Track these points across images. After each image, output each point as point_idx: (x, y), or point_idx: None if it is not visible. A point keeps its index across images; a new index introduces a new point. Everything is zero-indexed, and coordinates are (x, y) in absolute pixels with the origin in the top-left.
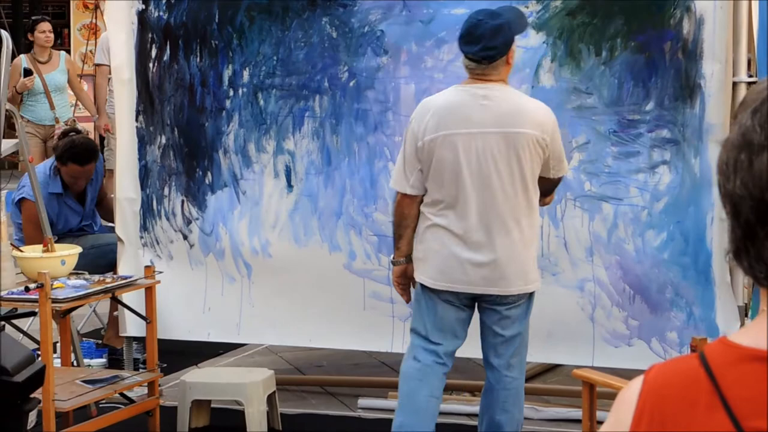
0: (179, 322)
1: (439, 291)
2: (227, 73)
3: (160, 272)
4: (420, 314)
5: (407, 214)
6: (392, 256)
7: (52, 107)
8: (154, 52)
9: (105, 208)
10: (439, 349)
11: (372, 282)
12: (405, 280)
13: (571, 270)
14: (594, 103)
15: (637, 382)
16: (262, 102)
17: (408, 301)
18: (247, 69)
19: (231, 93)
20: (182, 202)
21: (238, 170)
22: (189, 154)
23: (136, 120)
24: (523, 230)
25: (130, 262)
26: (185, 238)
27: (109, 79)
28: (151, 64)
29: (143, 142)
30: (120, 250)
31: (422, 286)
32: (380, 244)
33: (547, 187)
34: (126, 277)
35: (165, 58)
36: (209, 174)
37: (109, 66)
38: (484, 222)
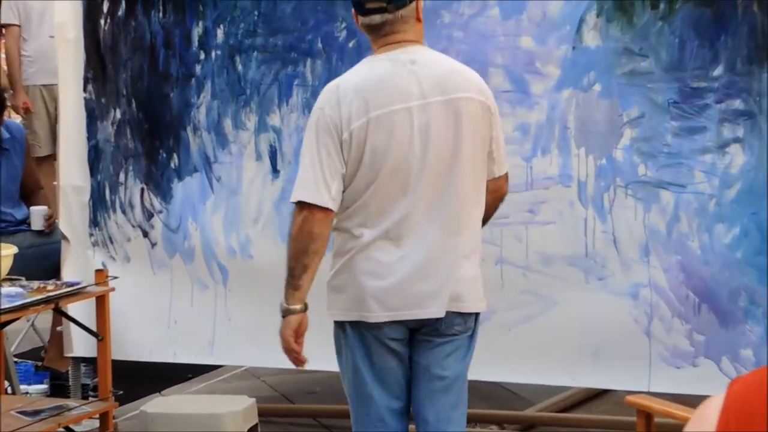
0: (138, 340)
1: (379, 326)
2: (197, 32)
3: (115, 277)
4: (353, 375)
5: (319, 235)
6: (284, 301)
7: None
8: (105, 6)
9: (36, 204)
10: (399, 406)
11: None
12: (299, 337)
13: (622, 273)
14: (649, 67)
15: (718, 398)
16: (240, 67)
17: (303, 364)
18: (221, 26)
19: (202, 56)
20: (142, 190)
21: (211, 152)
22: (150, 132)
23: (84, 90)
24: (474, 232)
25: (77, 265)
26: (146, 235)
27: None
28: (102, 21)
29: (93, 116)
30: (65, 251)
31: (351, 329)
32: None
33: (488, 203)
34: (72, 284)
35: (120, 12)
36: (175, 156)
37: (19, 26)
38: (436, 224)
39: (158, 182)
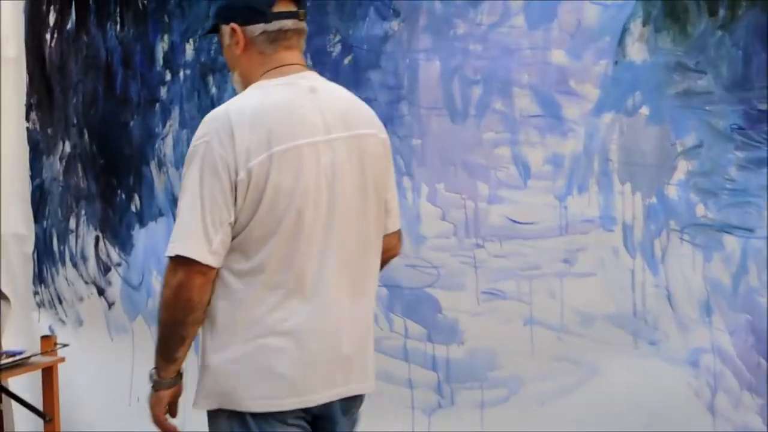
0: (94, 419)
1: (282, 414)
2: (161, 47)
3: (65, 345)
4: None
5: (199, 303)
6: (156, 372)
7: None
8: (52, 18)
9: None
10: None
11: (380, 354)
12: (174, 407)
13: (679, 336)
14: (708, 86)
15: None
16: (213, 89)
17: None
18: (190, 41)
19: (168, 76)
20: (97, 239)
21: (178, 191)
22: (106, 169)
23: (27, 118)
24: (375, 294)
25: (19, 331)
26: (101, 293)
27: None
28: (48, 35)
29: (38, 150)
30: (4, 313)
31: (252, 420)
32: (391, 298)
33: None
34: (13, 353)
35: (69, 25)
36: (136, 197)
37: None
38: (346, 283)
39: (116, 229)
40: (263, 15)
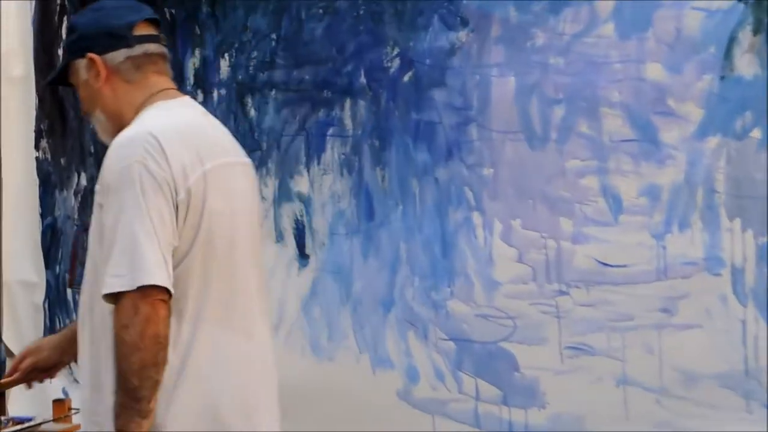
0: None
1: None
2: (192, 64)
3: (79, 410)
4: None
5: (166, 335)
6: (127, 426)
7: None
8: (64, 30)
9: None
10: None
11: (447, 420)
12: None
13: None
14: None
15: None
16: (252, 112)
17: None
18: (226, 56)
19: (199, 97)
20: None
21: None
22: None
23: (36, 147)
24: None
25: (27, 393)
26: None
27: None
28: (60, 50)
29: (48, 184)
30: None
31: None
32: (460, 354)
33: None
34: (21, 419)
35: None
36: None
37: None
38: (265, 315)
39: None
40: (124, 39)
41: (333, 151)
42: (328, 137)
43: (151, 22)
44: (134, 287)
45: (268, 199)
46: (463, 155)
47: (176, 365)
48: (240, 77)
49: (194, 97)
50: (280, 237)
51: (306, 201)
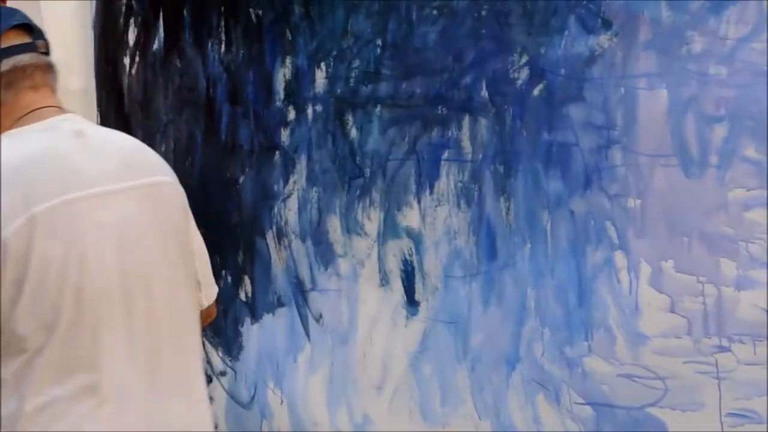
0: None
1: None
2: (282, 75)
3: None
4: None
5: None
6: None
7: None
8: (132, 36)
9: None
10: None
11: None
12: None
13: None
14: None
15: None
16: (353, 131)
17: None
18: (322, 65)
19: (290, 114)
20: None
21: (306, 273)
22: (206, 241)
23: None
24: (203, 385)
25: None
26: None
27: None
28: (127, 60)
29: None
30: None
31: None
32: (600, 420)
33: None
34: None
35: (155, 46)
36: (247, 281)
37: None
38: (152, 378)
39: (219, 324)
40: None
41: (448, 179)
42: (442, 162)
43: (23, 27)
44: None
45: (371, 235)
46: (604, 183)
47: None
48: (339, 91)
49: (285, 114)
50: (385, 280)
51: (416, 238)
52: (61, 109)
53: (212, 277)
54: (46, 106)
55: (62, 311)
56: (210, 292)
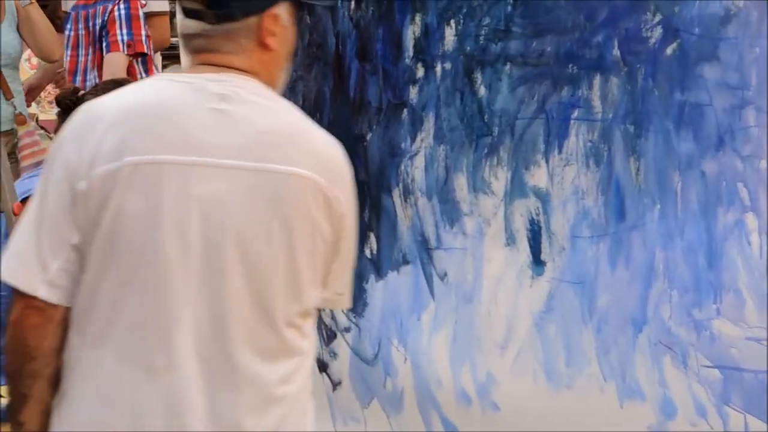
0: None
1: None
2: (411, 32)
3: None
4: None
5: (37, 347)
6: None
7: (7, 94)
8: None
9: None
10: None
11: None
12: None
13: None
14: None
15: None
16: (482, 90)
17: None
18: (451, 23)
19: (419, 72)
20: None
21: (431, 231)
22: None
23: None
24: (263, 390)
25: None
26: (323, 369)
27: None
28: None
29: None
30: None
31: None
32: (726, 385)
33: None
34: None
35: None
36: (372, 238)
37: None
38: (206, 362)
39: None
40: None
41: (578, 138)
42: (572, 121)
43: None
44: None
45: (498, 194)
46: (737, 144)
47: (61, 389)
48: (468, 48)
49: (413, 72)
50: (511, 239)
51: (543, 197)
52: (231, 69)
53: (346, 287)
54: (209, 64)
55: (123, 265)
56: (335, 300)
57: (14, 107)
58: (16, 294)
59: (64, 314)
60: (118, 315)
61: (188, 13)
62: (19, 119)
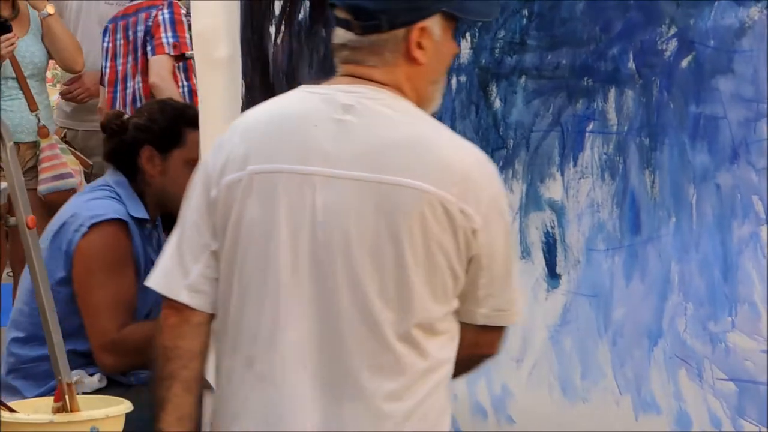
0: None
1: None
2: None
3: None
4: None
5: (173, 347)
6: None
7: (32, 105)
8: (278, 5)
9: None
10: None
11: None
12: None
13: None
14: None
15: None
16: (497, 102)
17: None
18: (467, 35)
19: None
20: None
21: None
22: None
23: None
24: (373, 406)
25: None
26: None
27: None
28: (272, 29)
29: None
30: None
31: None
32: (742, 398)
33: (462, 357)
34: None
35: (300, 15)
36: None
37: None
38: (319, 369)
39: None
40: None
41: (593, 151)
42: (587, 134)
43: None
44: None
45: (514, 207)
46: (752, 157)
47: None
48: (483, 61)
49: None
50: (526, 252)
51: (559, 210)
52: (369, 82)
53: (509, 303)
54: (350, 75)
55: (245, 270)
56: (497, 316)
57: (38, 119)
58: (162, 300)
59: (204, 319)
60: (242, 323)
61: (339, 22)
62: (42, 131)
